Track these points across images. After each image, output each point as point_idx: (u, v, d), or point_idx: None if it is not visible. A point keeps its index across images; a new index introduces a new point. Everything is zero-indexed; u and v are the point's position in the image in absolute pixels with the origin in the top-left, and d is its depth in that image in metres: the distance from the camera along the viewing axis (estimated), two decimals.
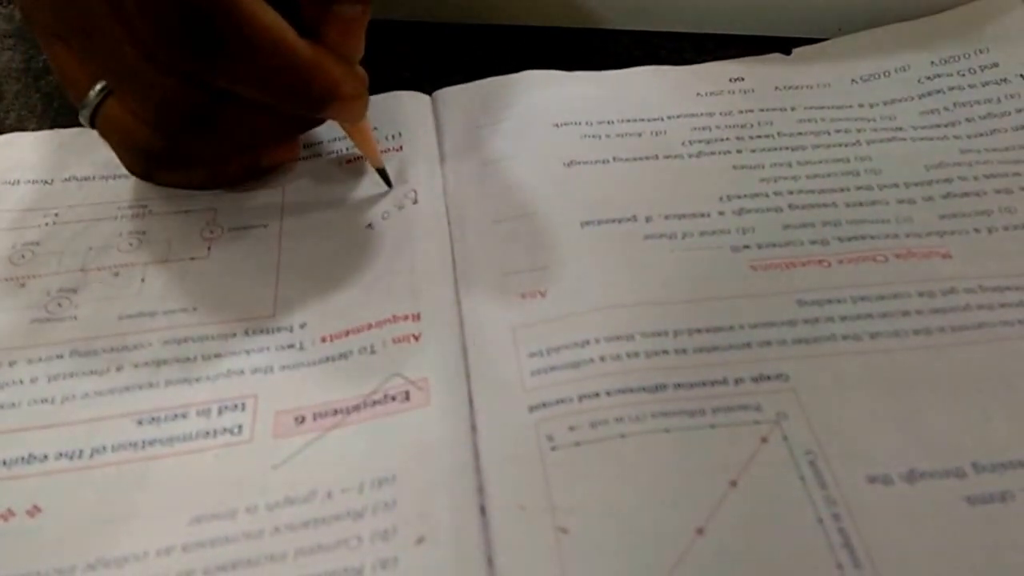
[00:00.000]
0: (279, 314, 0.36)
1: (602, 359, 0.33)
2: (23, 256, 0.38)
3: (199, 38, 0.31)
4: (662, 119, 0.43)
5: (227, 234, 0.39)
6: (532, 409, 0.32)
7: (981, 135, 0.41)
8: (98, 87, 0.36)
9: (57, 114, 0.46)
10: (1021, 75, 0.43)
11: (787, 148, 0.41)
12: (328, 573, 0.28)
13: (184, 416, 0.33)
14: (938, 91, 0.44)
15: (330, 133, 0.43)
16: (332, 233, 0.39)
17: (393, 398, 0.33)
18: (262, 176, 0.41)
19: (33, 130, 0.45)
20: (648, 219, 0.38)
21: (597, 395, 0.32)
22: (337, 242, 0.39)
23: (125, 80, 0.35)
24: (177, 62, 0.32)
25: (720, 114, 0.43)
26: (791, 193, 0.39)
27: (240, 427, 0.32)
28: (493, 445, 0.32)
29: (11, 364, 0.34)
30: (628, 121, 0.43)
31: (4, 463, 0.32)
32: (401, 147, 0.42)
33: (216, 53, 0.32)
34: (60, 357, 0.35)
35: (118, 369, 0.34)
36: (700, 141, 0.42)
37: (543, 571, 0.28)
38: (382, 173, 0.40)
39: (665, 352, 0.33)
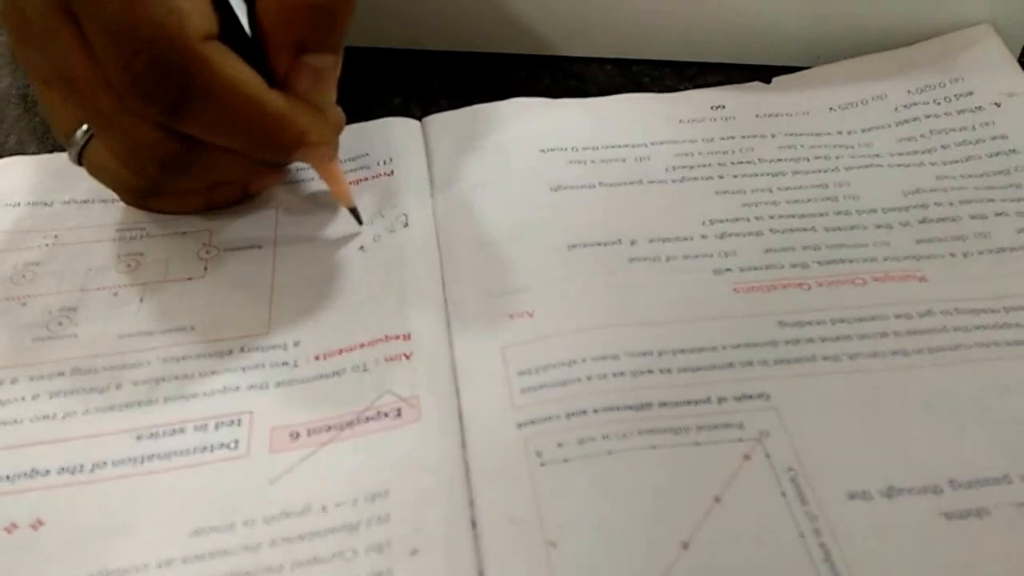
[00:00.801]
0: (274, 332, 0.37)
1: (589, 378, 0.34)
2: (24, 276, 0.39)
3: (171, 94, 0.32)
4: (646, 145, 0.44)
5: (223, 254, 0.40)
6: (521, 426, 0.33)
7: (956, 162, 0.42)
8: (82, 129, 0.37)
9: (56, 139, 0.46)
10: (995, 103, 0.44)
11: (768, 174, 0.42)
12: None
13: (182, 431, 0.33)
14: (914, 119, 0.45)
15: None
16: (325, 254, 0.40)
17: (385, 415, 0.33)
18: (253, 198, 0.42)
19: (33, 154, 0.45)
20: (633, 242, 0.39)
21: (584, 412, 0.33)
22: (330, 263, 0.39)
23: (104, 126, 0.35)
24: (150, 115, 0.33)
25: (702, 140, 0.44)
26: (772, 218, 0.40)
27: (236, 442, 0.33)
28: (483, 460, 0.32)
29: (13, 381, 0.35)
30: (612, 147, 0.44)
31: (7, 478, 0.32)
32: (392, 172, 0.43)
33: (188, 108, 0.32)
34: (61, 374, 0.35)
35: (118, 386, 0.35)
36: (683, 167, 0.43)
37: None
38: (353, 212, 0.40)
39: (650, 371, 0.34)
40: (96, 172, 0.38)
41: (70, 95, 0.35)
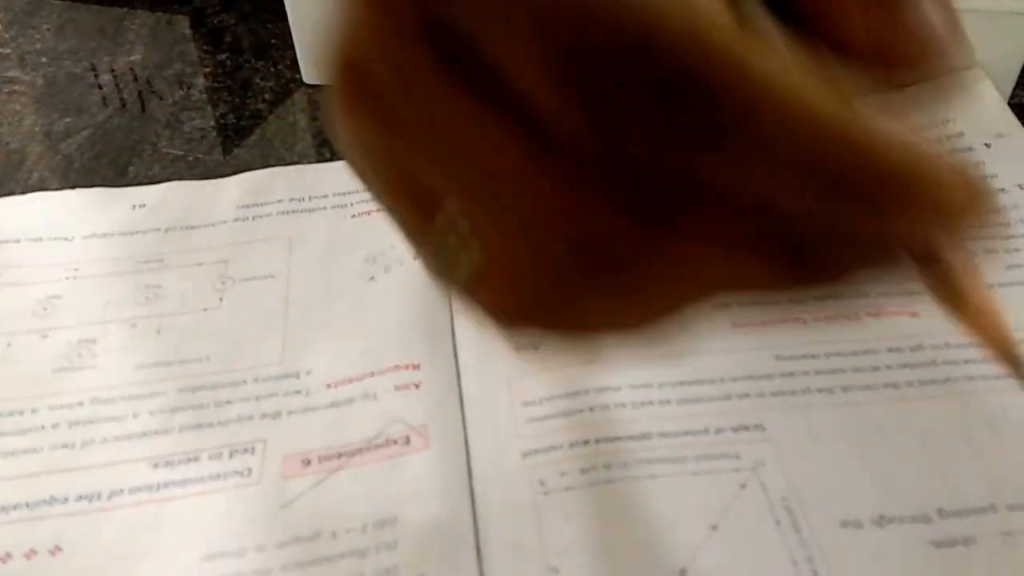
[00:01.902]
0: (287, 362, 0.37)
1: (591, 409, 0.35)
2: (45, 309, 0.40)
3: (682, 129, 0.17)
4: None
5: (238, 285, 0.41)
6: (525, 455, 0.34)
7: None
8: (453, 215, 0.22)
9: (77, 175, 0.47)
10: (985, 144, 0.45)
11: None
12: None
13: (197, 460, 0.34)
14: None
15: (335, 185, 0.45)
16: (337, 284, 0.40)
17: (395, 442, 0.34)
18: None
19: (55, 190, 0.46)
20: None
21: (587, 443, 0.34)
22: (342, 293, 0.40)
23: (498, 204, 0.20)
24: (637, 155, 0.18)
25: None
26: None
27: (250, 470, 0.34)
28: (489, 488, 0.33)
29: (34, 411, 0.36)
30: None
31: (28, 505, 0.33)
32: None
33: (704, 145, 0.17)
34: (80, 404, 0.36)
35: (135, 416, 0.36)
36: None
37: None
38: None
39: (650, 403, 0.35)
40: (472, 284, 0.23)
41: (435, 165, 0.21)
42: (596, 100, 0.17)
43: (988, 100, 0.47)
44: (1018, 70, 0.48)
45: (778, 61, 0.17)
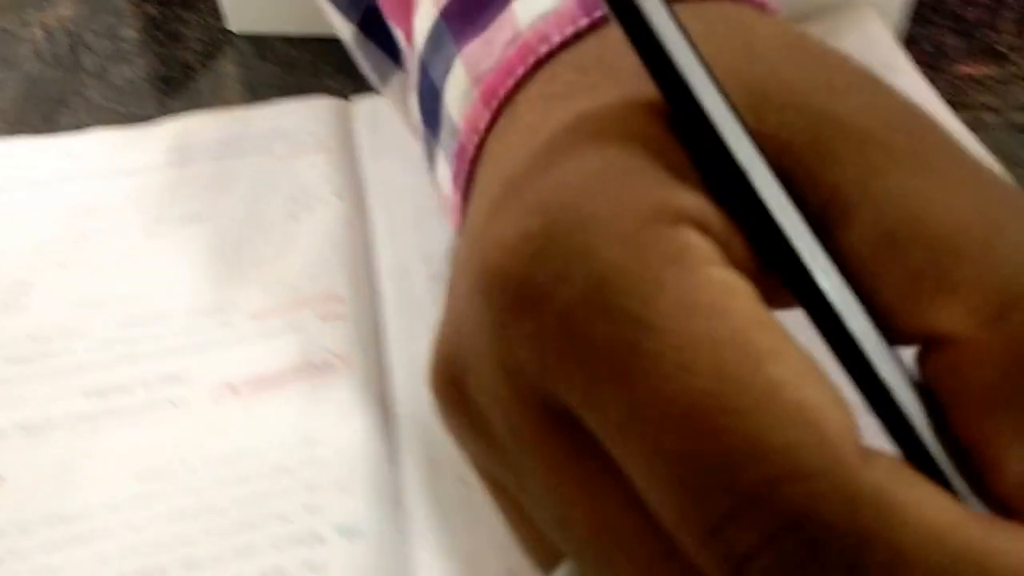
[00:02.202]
0: (214, 295, 0.39)
1: None
2: None
3: None
4: None
5: (169, 225, 0.42)
6: None
7: None
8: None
9: (10, 127, 0.49)
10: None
11: None
12: (261, 518, 0.32)
13: (128, 389, 0.36)
14: None
15: (261, 129, 0.46)
16: (262, 223, 0.42)
17: (318, 368, 0.36)
18: None
19: None
20: None
21: None
22: (267, 231, 0.42)
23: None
24: None
25: None
26: None
27: (181, 397, 0.36)
28: (407, 409, 0.35)
29: None
30: None
31: None
32: (325, 146, 0.45)
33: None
34: (16, 341, 0.38)
35: (70, 351, 0.38)
36: None
37: (449, 516, 0.32)
38: None
39: None
40: None
41: (541, 511, 0.22)
42: (724, 545, 0.17)
43: (876, 35, 0.48)
44: (907, 2, 0.49)
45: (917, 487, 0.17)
